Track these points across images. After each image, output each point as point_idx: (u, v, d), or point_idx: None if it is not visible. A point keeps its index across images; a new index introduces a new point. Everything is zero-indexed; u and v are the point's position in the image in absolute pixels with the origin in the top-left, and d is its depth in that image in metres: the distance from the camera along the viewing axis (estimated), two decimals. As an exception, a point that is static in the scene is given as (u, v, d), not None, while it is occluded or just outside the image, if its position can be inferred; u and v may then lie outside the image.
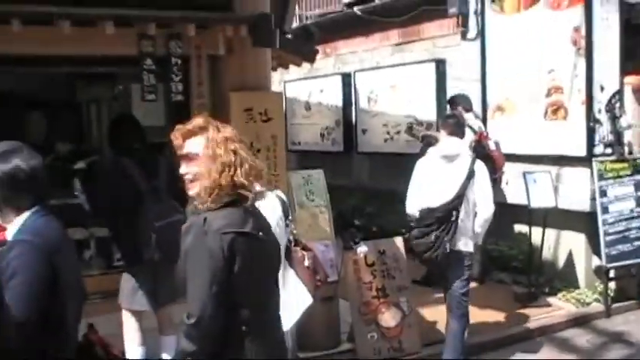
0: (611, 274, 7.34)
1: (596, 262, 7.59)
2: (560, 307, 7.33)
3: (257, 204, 3.28)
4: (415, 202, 5.73)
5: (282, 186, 5.70)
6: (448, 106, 7.90)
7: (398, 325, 6.03)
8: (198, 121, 2.87)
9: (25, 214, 2.73)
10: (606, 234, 7.25)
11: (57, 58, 5.36)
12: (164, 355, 5.04)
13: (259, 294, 2.89)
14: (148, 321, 5.12)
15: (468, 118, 7.33)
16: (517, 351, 6.38)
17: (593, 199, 7.36)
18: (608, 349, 6.44)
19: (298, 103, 12.38)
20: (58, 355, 2.68)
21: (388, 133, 10.36)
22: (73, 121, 7.94)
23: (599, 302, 7.35)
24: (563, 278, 7.83)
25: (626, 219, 7.37)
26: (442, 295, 7.18)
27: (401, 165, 9.81)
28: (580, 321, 7.07)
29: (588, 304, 7.35)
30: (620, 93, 7.54)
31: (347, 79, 11.37)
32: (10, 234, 2.71)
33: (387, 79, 10.42)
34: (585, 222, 7.57)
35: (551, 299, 7.49)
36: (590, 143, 7.43)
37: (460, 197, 5.45)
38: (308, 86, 12.28)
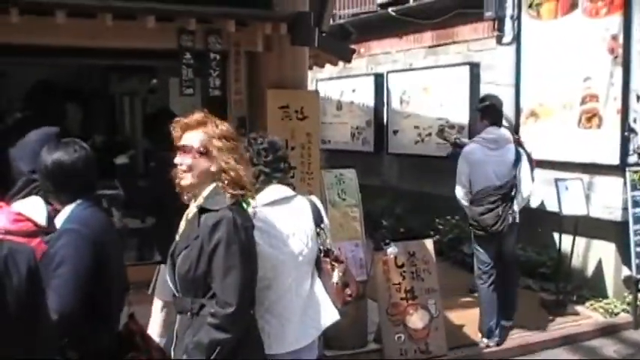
0: (641, 285, 7.29)
1: (625, 272, 7.53)
2: (587, 315, 7.29)
3: (279, 208, 3.37)
4: (466, 184, 6.43)
5: (316, 184, 5.73)
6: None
7: (425, 327, 6.03)
8: (197, 116, 3.03)
9: (73, 204, 2.79)
10: (637, 244, 7.17)
11: (96, 50, 5.40)
12: None
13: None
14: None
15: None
16: (543, 357, 6.38)
17: (625, 208, 7.30)
18: (635, 360, 6.41)
19: (330, 102, 12.39)
20: (101, 344, 2.73)
21: (419, 135, 10.34)
22: (108, 113, 8.04)
23: (628, 313, 7.29)
24: (592, 287, 7.78)
25: (657, 230, 7.30)
26: (468, 299, 7.28)
27: (430, 167, 9.87)
28: (608, 331, 7.02)
29: (616, 314, 7.30)
30: (656, 103, 7.47)
31: (379, 80, 11.37)
32: (58, 222, 2.77)
33: (420, 80, 10.40)
34: (616, 231, 7.51)
35: (578, 307, 7.45)
36: (624, 152, 7.37)
37: (516, 177, 6.35)
38: (340, 85, 12.29)
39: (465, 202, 6.53)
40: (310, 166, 5.78)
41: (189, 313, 2.92)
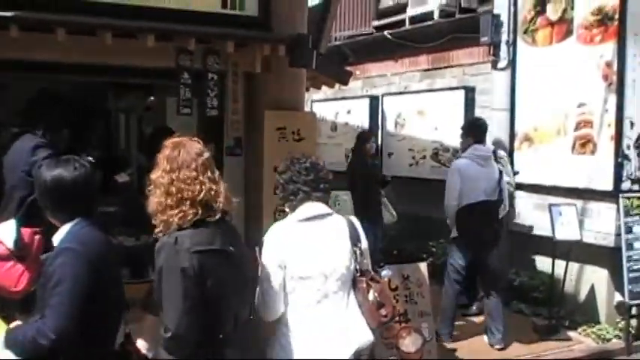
0: (634, 311, 7.27)
1: (618, 298, 7.53)
2: (580, 341, 7.28)
3: (312, 224, 3.44)
4: (457, 197, 6.72)
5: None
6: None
7: (418, 350, 5.98)
8: (175, 139, 3.11)
9: (71, 223, 2.79)
10: (630, 270, 7.19)
11: (94, 67, 5.41)
12: None
13: (231, 305, 3.06)
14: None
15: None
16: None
17: (618, 234, 7.32)
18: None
19: (324, 123, 12.39)
20: (96, 363, 2.72)
21: (414, 157, 10.38)
22: (103, 130, 8.02)
23: (620, 339, 7.29)
24: (585, 312, 7.78)
25: (650, 257, 7.32)
26: (462, 322, 7.27)
27: (425, 190, 9.86)
28: (600, 356, 7.01)
29: (609, 340, 7.29)
30: (650, 130, 7.53)
31: (375, 102, 11.40)
32: (56, 240, 2.76)
33: (415, 103, 10.45)
34: (609, 257, 7.53)
35: (571, 333, 7.43)
36: (618, 179, 7.41)
37: (501, 192, 6.87)
38: (335, 107, 12.33)
39: (452, 213, 6.83)
40: (306, 187, 5.76)
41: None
